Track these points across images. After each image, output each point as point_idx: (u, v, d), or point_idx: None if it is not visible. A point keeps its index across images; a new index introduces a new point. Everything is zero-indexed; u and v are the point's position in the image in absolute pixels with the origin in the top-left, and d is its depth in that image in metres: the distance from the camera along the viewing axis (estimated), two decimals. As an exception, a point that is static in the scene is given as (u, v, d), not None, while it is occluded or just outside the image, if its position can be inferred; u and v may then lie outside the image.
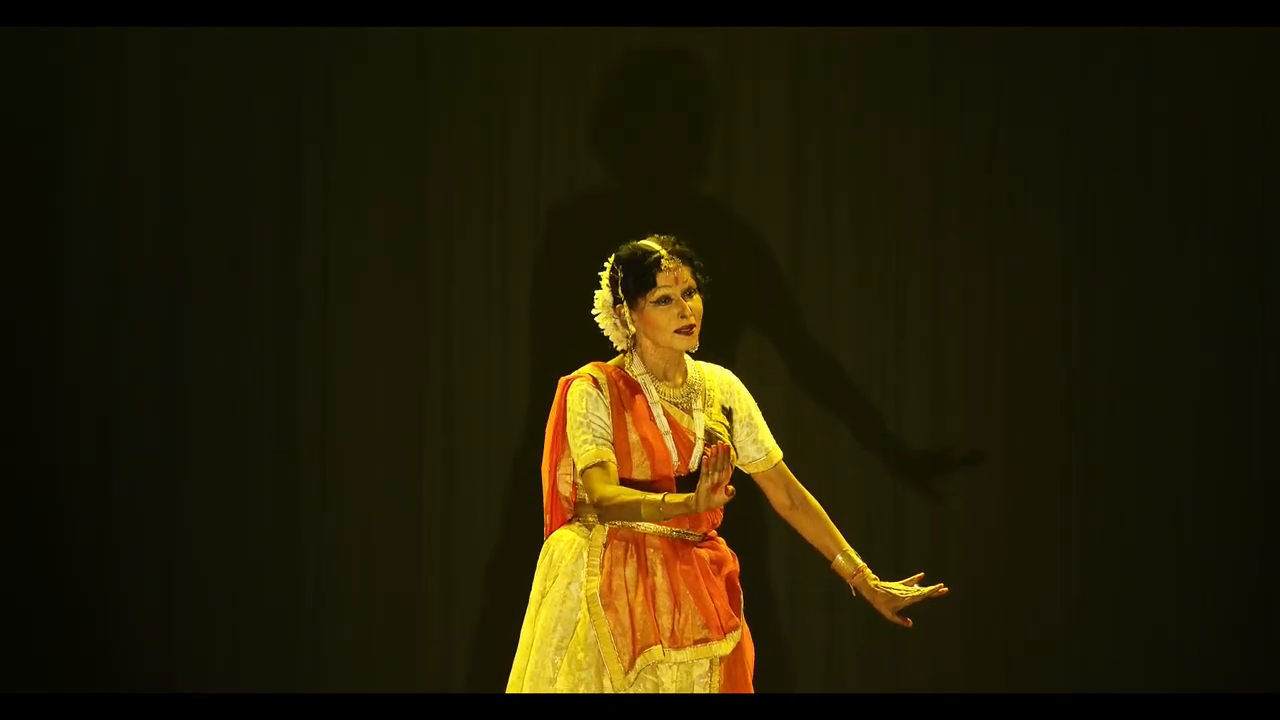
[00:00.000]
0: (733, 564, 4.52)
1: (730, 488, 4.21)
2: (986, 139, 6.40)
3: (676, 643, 4.38)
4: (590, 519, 4.49)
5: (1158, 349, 6.38)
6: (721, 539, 4.54)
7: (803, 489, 4.62)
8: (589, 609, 4.40)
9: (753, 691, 4.48)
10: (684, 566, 4.43)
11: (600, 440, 4.44)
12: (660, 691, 4.38)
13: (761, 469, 4.63)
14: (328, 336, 6.24)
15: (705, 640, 4.40)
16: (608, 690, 4.36)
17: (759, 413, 4.64)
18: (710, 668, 4.41)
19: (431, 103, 6.30)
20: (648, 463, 4.47)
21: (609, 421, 4.49)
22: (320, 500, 6.25)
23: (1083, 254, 6.40)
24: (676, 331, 4.49)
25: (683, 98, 6.38)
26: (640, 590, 4.41)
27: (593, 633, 4.40)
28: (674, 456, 4.48)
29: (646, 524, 4.43)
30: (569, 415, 4.48)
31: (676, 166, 6.37)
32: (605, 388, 4.51)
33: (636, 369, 4.54)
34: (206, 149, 6.26)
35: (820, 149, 6.39)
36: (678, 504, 4.32)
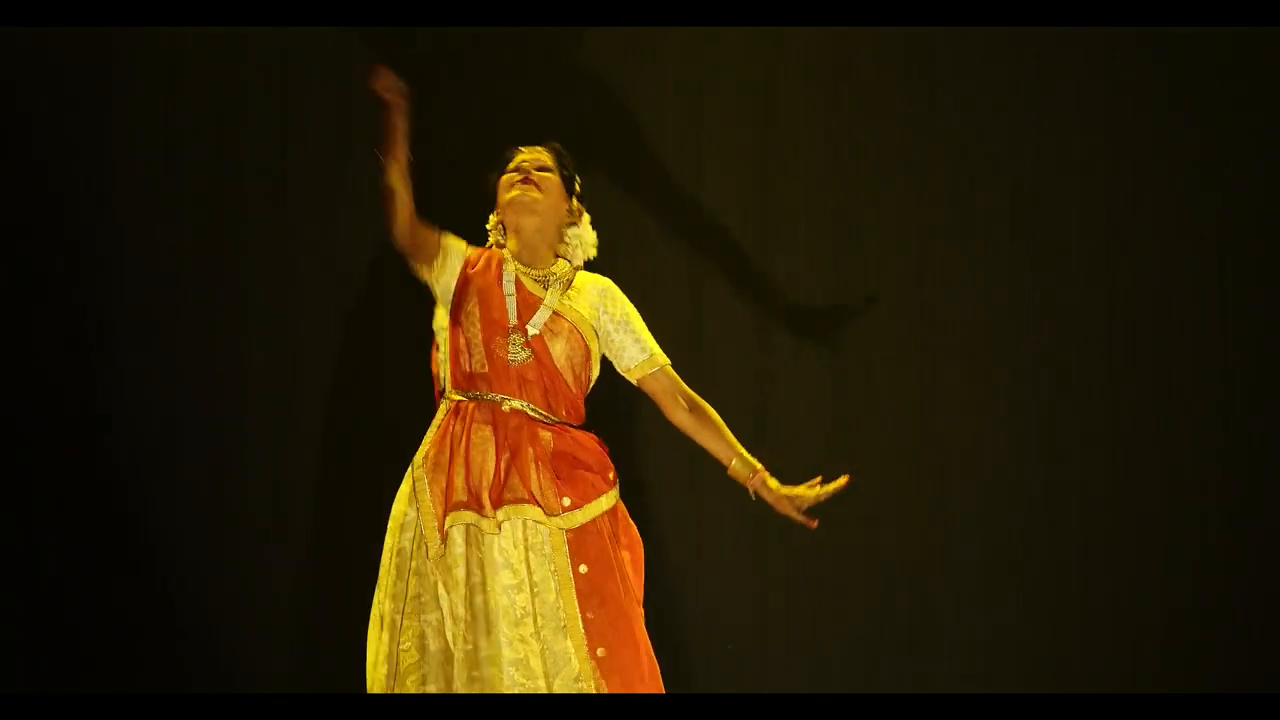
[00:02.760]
0: (568, 447, 4.53)
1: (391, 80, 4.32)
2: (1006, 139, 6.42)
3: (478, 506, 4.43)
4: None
5: (1171, 349, 6.39)
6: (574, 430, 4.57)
7: (695, 395, 4.66)
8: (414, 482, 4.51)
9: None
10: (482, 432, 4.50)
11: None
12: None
13: (647, 371, 4.67)
14: (378, 336, 6.20)
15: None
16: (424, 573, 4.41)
17: (639, 319, 4.71)
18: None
19: (468, 104, 6.30)
20: (478, 310, 4.57)
21: (460, 250, 4.64)
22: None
23: (1064, 260, 6.40)
24: (516, 187, 4.63)
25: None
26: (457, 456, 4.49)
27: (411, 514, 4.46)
28: (511, 313, 4.58)
29: (458, 395, 4.53)
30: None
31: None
32: (471, 253, 4.66)
33: (507, 254, 4.67)
34: (253, 149, 6.29)
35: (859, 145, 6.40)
36: (385, 139, 4.42)
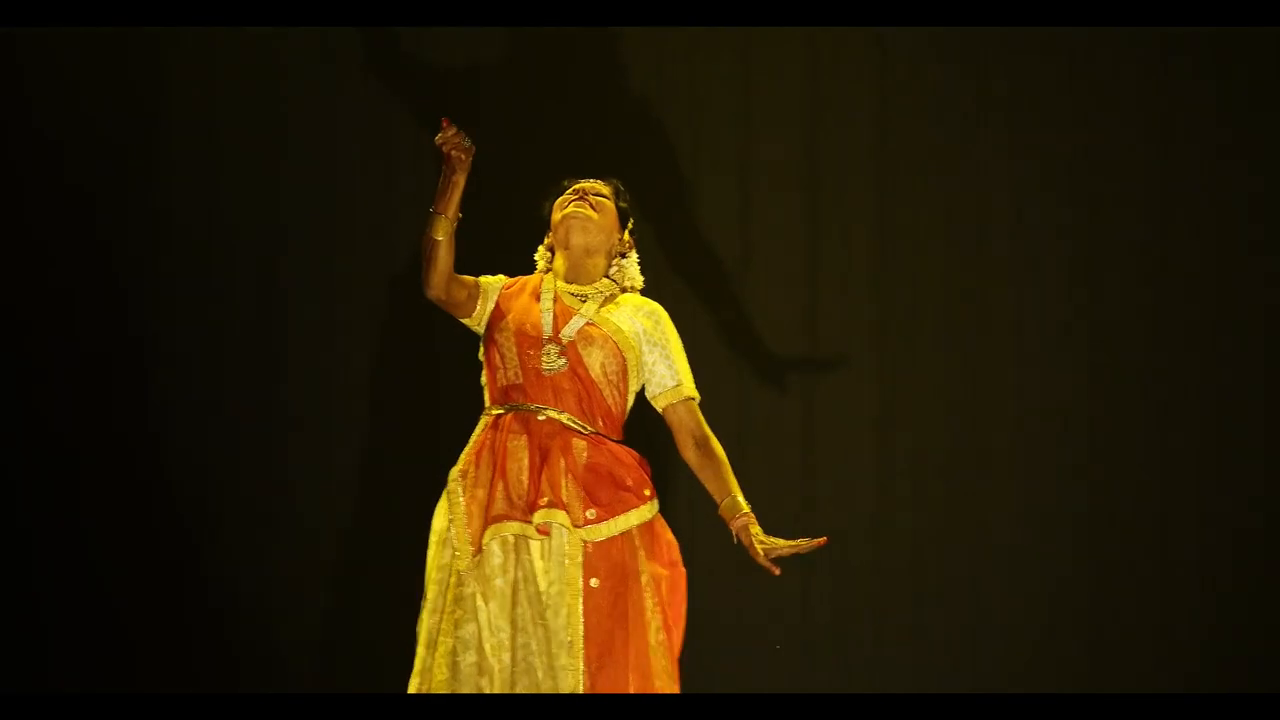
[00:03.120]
0: (598, 457, 4.50)
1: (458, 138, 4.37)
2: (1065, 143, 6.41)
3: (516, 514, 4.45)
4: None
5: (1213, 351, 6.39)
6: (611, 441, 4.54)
7: (710, 434, 4.63)
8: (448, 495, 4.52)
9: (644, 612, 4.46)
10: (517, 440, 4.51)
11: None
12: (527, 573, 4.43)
13: (671, 399, 4.63)
14: (427, 341, 6.16)
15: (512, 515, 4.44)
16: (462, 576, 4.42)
17: (680, 349, 4.68)
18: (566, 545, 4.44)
19: (522, 101, 6.37)
20: (513, 324, 4.58)
21: (494, 287, 4.66)
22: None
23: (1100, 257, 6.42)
24: (573, 204, 4.66)
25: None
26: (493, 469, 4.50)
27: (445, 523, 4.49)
28: (546, 324, 4.58)
29: (497, 409, 4.54)
30: None
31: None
32: (507, 280, 4.70)
33: (550, 278, 4.69)
34: (302, 145, 6.34)
35: (905, 152, 6.42)
36: (437, 191, 4.48)
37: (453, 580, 4.48)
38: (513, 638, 4.43)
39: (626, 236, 4.74)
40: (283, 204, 6.34)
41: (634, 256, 4.78)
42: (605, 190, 4.74)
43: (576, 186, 4.73)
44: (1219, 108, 6.33)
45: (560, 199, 4.72)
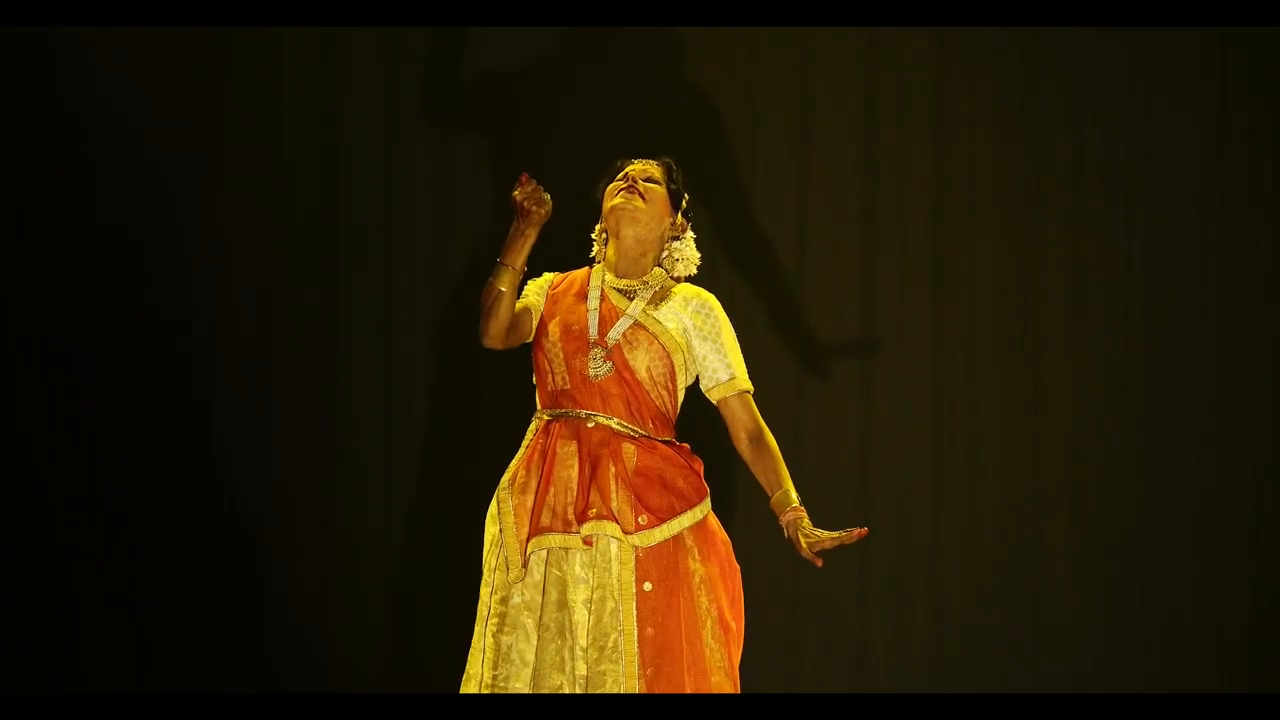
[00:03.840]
0: (648, 460, 4.47)
1: (536, 194, 4.36)
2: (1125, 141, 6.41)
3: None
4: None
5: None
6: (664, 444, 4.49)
7: (764, 427, 4.56)
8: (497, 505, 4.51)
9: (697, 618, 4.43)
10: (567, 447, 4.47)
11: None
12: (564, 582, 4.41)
13: (725, 393, 4.57)
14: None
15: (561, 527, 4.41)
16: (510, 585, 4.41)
17: (733, 340, 4.60)
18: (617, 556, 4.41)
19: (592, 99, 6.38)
20: (559, 329, 4.53)
21: (541, 292, 4.61)
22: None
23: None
24: (620, 194, 4.58)
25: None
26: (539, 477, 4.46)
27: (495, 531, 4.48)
28: (592, 327, 4.52)
29: (547, 414, 4.51)
30: None
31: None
32: (555, 277, 4.65)
33: (597, 268, 4.63)
34: (362, 146, 6.37)
35: (962, 150, 6.44)
36: (506, 242, 4.44)
37: (495, 582, 4.47)
38: (539, 644, 4.41)
39: (679, 220, 4.66)
40: (342, 204, 6.37)
41: (690, 237, 4.69)
42: (656, 173, 4.65)
43: (626, 171, 4.65)
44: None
45: (610, 185, 4.65)
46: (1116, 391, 6.38)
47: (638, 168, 4.64)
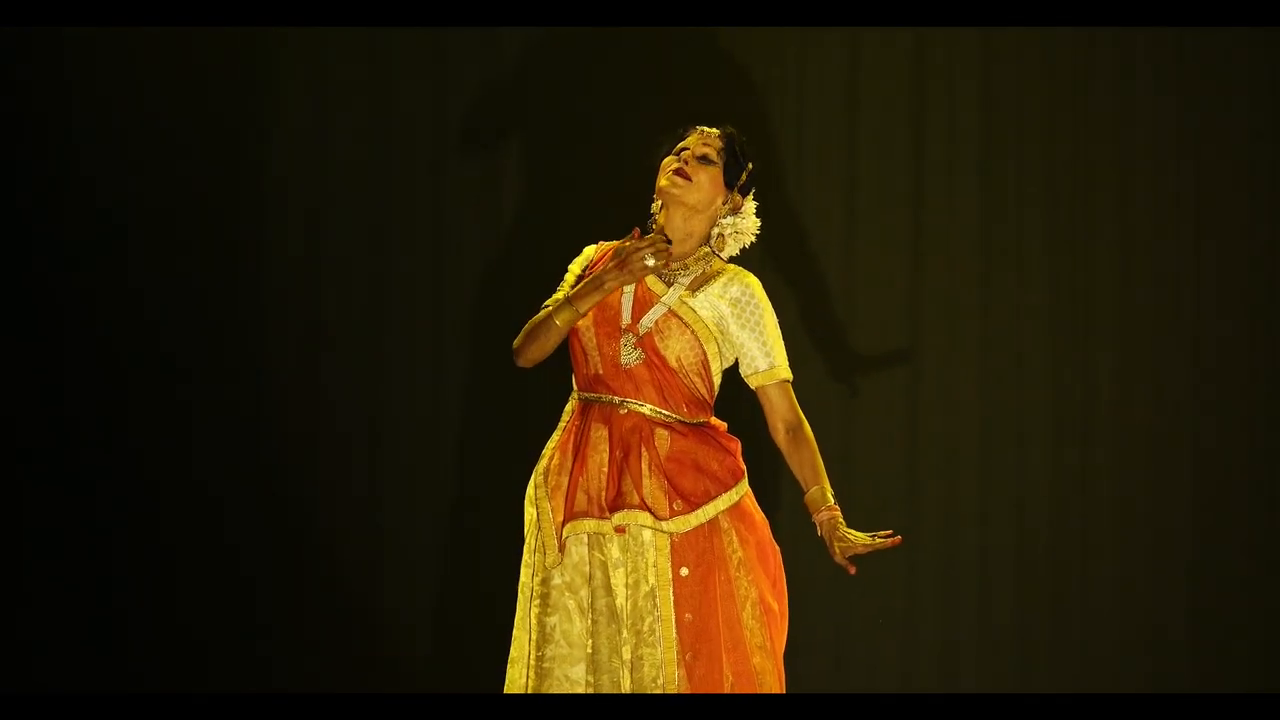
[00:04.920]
0: (684, 445, 4.41)
1: (650, 249, 4.30)
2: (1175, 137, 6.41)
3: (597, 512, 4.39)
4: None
5: None
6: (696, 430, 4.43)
7: (802, 418, 4.47)
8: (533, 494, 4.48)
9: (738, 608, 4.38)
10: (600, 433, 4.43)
11: (558, 296, 4.52)
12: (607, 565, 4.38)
13: (764, 381, 4.48)
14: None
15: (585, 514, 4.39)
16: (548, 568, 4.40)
17: (775, 327, 4.50)
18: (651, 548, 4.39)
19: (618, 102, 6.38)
20: (593, 312, 4.45)
21: (576, 271, 4.54)
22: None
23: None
24: (668, 175, 4.47)
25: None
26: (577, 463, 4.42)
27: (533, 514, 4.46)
28: (625, 311, 4.45)
29: (581, 396, 4.46)
30: None
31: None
32: (595, 253, 4.57)
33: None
34: (410, 144, 6.38)
35: (1011, 148, 6.43)
36: (585, 284, 4.38)
37: (535, 564, 4.46)
38: (594, 629, 4.39)
39: (735, 196, 4.55)
40: (388, 198, 6.39)
41: (749, 208, 4.58)
42: (714, 147, 4.52)
43: (682, 145, 4.53)
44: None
45: (665, 160, 4.53)
46: (1172, 396, 6.38)
47: (694, 141, 4.53)
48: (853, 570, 4.36)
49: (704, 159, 4.52)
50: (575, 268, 4.61)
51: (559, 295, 4.54)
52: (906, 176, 6.42)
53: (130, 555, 6.23)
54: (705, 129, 4.56)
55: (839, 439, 6.27)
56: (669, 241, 4.46)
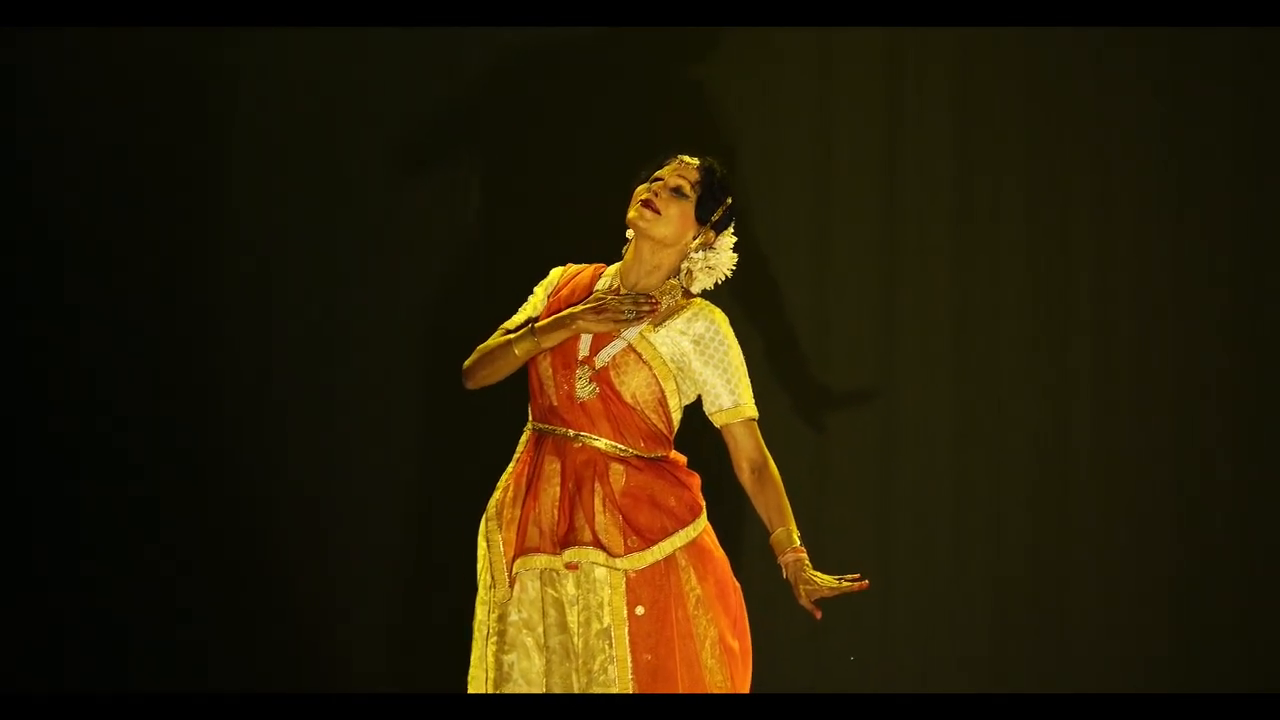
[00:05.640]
0: (634, 481, 4.32)
1: (633, 307, 4.22)
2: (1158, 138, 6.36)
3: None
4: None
5: None
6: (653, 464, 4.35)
7: (768, 458, 4.38)
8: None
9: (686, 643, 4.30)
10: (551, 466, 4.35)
11: (519, 318, 4.44)
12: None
13: (729, 419, 4.38)
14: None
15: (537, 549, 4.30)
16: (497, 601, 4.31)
17: (740, 364, 4.39)
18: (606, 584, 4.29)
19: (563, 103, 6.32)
20: None
21: (540, 305, 4.44)
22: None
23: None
24: (639, 203, 4.37)
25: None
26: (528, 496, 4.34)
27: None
28: (584, 344, 4.35)
29: (536, 427, 4.37)
30: None
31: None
32: (559, 277, 4.48)
33: (611, 271, 4.45)
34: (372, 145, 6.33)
35: (986, 150, 6.38)
36: (553, 321, 4.29)
37: (495, 607, 4.37)
38: (548, 668, 4.31)
39: (706, 232, 4.42)
40: (342, 207, 6.33)
41: (724, 243, 4.46)
42: (688, 180, 4.40)
43: (658, 174, 4.43)
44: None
45: (639, 187, 4.43)
46: (1145, 431, 6.34)
47: (669, 172, 4.42)
48: (818, 615, 4.27)
49: (677, 191, 4.41)
50: (540, 291, 4.52)
51: (519, 318, 4.46)
52: (879, 193, 6.39)
53: (71, 557, 6.21)
54: (685, 159, 4.46)
55: (807, 477, 6.23)
56: (654, 305, 4.35)
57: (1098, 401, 6.34)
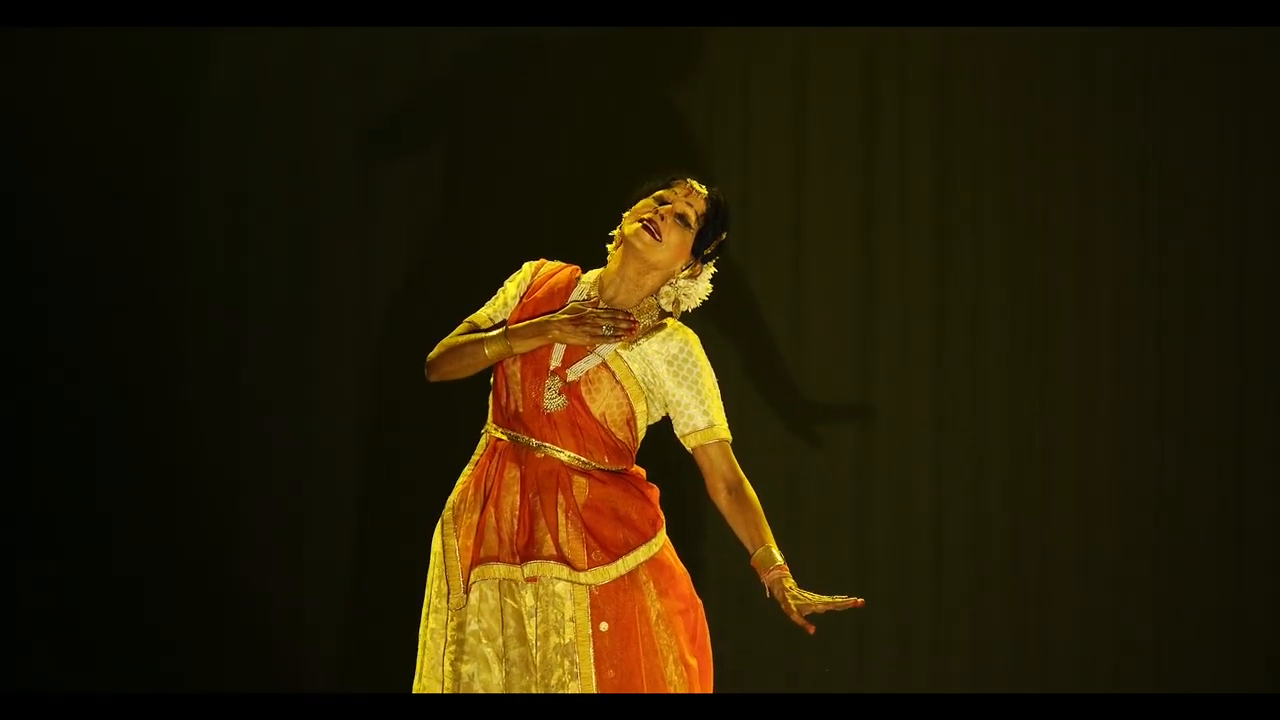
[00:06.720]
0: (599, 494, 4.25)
1: (611, 323, 4.14)
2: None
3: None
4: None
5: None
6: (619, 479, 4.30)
7: (743, 478, 4.29)
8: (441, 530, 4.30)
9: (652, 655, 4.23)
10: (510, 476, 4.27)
11: (488, 311, 4.36)
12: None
13: (703, 441, 4.29)
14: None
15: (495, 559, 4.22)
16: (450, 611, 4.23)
17: (713, 385, 4.31)
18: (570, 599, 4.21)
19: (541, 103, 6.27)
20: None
21: (512, 302, 4.36)
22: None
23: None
24: (638, 221, 4.28)
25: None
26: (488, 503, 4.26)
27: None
28: (556, 354, 4.26)
29: (497, 431, 4.29)
30: None
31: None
32: (534, 275, 4.39)
33: (589, 278, 4.37)
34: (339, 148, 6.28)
35: (968, 149, 6.34)
36: (529, 326, 4.21)
37: (453, 616, 4.28)
38: (507, 681, 4.24)
39: (695, 264, 4.35)
40: (312, 204, 6.29)
41: (705, 275, 4.38)
42: (695, 210, 4.31)
43: (665, 195, 4.33)
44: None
45: (642, 203, 4.33)
46: (1126, 449, 6.35)
47: (679, 194, 4.33)
48: (811, 630, 4.19)
49: (682, 218, 4.32)
50: (511, 286, 4.42)
51: (487, 311, 4.38)
52: (856, 198, 6.37)
53: (35, 557, 6.18)
54: (696, 185, 4.36)
55: (783, 494, 6.21)
56: (633, 325, 4.25)
57: (1081, 405, 6.35)
